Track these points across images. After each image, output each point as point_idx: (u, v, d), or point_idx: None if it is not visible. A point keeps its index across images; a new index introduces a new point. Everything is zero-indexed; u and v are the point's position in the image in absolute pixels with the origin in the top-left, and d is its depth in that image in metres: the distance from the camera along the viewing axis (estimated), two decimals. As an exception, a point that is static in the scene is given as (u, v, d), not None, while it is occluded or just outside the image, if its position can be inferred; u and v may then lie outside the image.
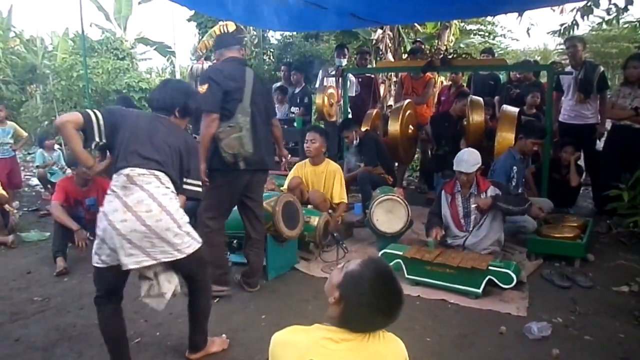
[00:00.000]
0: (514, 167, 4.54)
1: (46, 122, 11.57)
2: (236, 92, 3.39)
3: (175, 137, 2.59)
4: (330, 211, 4.68)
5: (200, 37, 13.62)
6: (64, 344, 2.99)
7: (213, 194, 3.42)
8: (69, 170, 6.60)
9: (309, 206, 4.64)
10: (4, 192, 5.33)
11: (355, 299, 1.47)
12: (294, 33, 11.55)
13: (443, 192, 4.23)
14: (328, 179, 4.80)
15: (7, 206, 5.35)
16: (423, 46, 7.80)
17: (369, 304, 1.46)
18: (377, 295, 1.46)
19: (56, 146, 7.69)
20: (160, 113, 2.66)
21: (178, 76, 16.78)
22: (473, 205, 4.05)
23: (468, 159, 4.02)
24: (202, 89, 3.31)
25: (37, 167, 7.20)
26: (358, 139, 5.51)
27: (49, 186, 7.07)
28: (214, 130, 3.34)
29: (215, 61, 3.79)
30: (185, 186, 2.64)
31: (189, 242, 2.50)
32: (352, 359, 1.46)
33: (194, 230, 2.57)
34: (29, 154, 10.96)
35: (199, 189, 2.73)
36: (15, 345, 2.99)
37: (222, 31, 12.57)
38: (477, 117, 5.73)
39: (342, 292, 1.50)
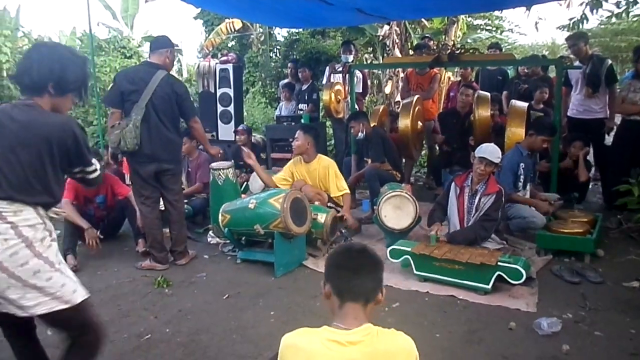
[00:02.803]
0: (521, 164, 4.50)
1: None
2: (132, 94, 3.88)
3: (37, 129, 1.96)
4: (334, 207, 4.69)
5: (207, 35, 13.66)
6: (75, 341, 3.01)
7: (132, 178, 4.19)
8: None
9: (316, 202, 4.65)
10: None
11: (329, 270, 1.61)
12: (301, 30, 11.54)
13: (453, 183, 4.21)
14: (322, 174, 4.82)
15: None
16: (431, 42, 7.78)
17: (336, 264, 1.60)
18: (340, 254, 1.64)
19: None
20: (28, 95, 2.04)
21: (185, 75, 16.81)
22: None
23: (493, 151, 4.01)
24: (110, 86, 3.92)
25: None
26: (364, 132, 5.50)
27: None
28: (112, 122, 3.92)
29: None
30: (78, 175, 2.16)
31: (38, 299, 1.92)
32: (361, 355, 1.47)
33: (70, 284, 2.01)
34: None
35: (94, 174, 2.21)
36: (27, 342, 3.01)
37: (228, 29, 12.63)
38: (483, 112, 5.70)
39: (325, 278, 1.60)
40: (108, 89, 3.85)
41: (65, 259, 4.15)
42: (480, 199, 4.00)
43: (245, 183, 5.72)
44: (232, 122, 7.36)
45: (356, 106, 6.63)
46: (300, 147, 4.79)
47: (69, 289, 1.99)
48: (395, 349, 1.52)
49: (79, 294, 2.01)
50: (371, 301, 1.56)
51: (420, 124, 6.39)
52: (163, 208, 4.36)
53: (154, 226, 4.18)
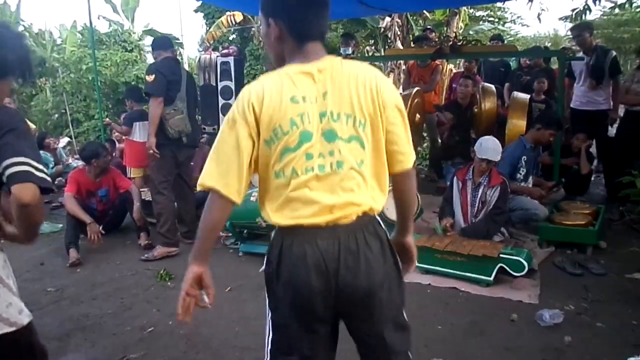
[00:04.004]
0: (523, 157, 4.48)
1: (56, 115, 11.63)
2: (176, 84, 4.23)
3: None
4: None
5: (208, 28, 13.60)
6: (78, 334, 3.03)
7: (163, 165, 4.29)
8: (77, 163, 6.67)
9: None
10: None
11: (277, 4, 1.48)
12: (302, 22, 11.47)
13: (455, 178, 4.21)
14: None
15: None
16: (433, 33, 7.73)
17: None
18: None
19: (62, 141, 7.74)
20: None
21: (186, 68, 16.78)
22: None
23: (495, 148, 4.00)
24: (150, 78, 4.15)
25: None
26: None
27: (56, 181, 7.18)
28: (161, 111, 4.11)
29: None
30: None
31: None
32: (336, 79, 1.43)
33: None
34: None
35: (21, 167, 1.47)
36: (30, 335, 3.03)
37: (229, 21, 12.57)
38: (489, 105, 5.67)
39: (270, 15, 1.49)
40: (151, 80, 4.12)
41: (68, 253, 4.19)
42: (485, 192, 4.01)
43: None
44: (234, 115, 7.34)
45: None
46: None
47: (15, 309, 1.65)
48: (366, 71, 1.46)
49: (26, 314, 1.70)
50: (324, 40, 1.50)
51: (418, 116, 6.35)
52: (150, 199, 4.60)
53: (173, 211, 4.41)
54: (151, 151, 4.18)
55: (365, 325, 1.51)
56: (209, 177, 1.42)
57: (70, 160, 7.98)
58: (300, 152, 1.40)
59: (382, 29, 10.39)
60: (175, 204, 4.57)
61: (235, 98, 6.28)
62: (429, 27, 8.95)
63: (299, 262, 1.41)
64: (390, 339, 1.51)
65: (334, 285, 1.42)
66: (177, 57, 4.38)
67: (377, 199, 1.49)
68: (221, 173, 1.41)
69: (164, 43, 4.51)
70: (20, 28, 14.90)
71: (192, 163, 4.78)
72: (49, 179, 1.52)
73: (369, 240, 1.45)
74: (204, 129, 7.59)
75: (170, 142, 4.24)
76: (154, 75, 4.13)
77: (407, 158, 1.50)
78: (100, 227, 4.41)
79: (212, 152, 1.44)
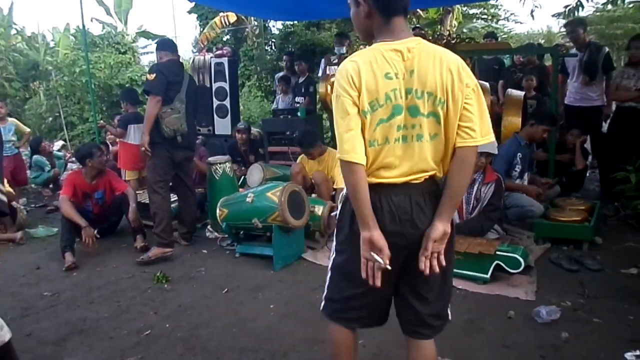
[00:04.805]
0: (519, 154, 4.50)
1: (50, 119, 11.60)
2: (176, 84, 4.24)
3: None
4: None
5: (202, 29, 13.58)
6: (74, 338, 3.01)
7: (159, 164, 4.28)
8: (74, 166, 6.65)
9: (313, 195, 4.65)
10: (10, 189, 5.36)
11: None
12: (295, 22, 11.48)
13: None
14: (330, 165, 4.91)
15: (14, 203, 5.38)
16: (422, 31, 7.75)
17: None
18: None
19: (57, 144, 7.71)
20: None
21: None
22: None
23: (492, 142, 4.00)
24: (151, 77, 4.18)
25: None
26: None
27: (51, 185, 7.17)
28: (158, 110, 4.14)
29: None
30: None
31: None
32: (422, 60, 1.61)
33: None
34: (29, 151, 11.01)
35: None
36: (26, 340, 3.01)
37: (223, 22, 12.56)
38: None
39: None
40: (152, 79, 4.15)
41: (64, 256, 4.18)
42: (479, 189, 4.01)
43: (243, 177, 5.71)
44: (229, 116, 7.32)
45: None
46: (317, 153, 4.95)
47: None
48: (448, 55, 1.64)
49: (7, 331, 1.67)
50: (407, 14, 1.69)
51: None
52: (146, 201, 4.58)
53: (168, 211, 4.39)
54: (143, 149, 4.20)
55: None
56: (337, 150, 1.64)
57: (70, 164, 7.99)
58: (391, 123, 1.62)
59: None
60: (176, 204, 4.60)
61: (229, 99, 6.29)
62: (417, 26, 8.95)
63: (377, 211, 1.66)
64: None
65: (404, 229, 1.69)
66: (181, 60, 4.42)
67: (441, 168, 1.72)
68: (339, 142, 1.62)
69: (171, 45, 4.52)
70: (13, 31, 14.85)
71: (191, 165, 4.80)
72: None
73: (432, 198, 1.71)
74: (199, 130, 7.57)
75: (165, 141, 4.23)
76: (154, 75, 4.15)
77: (477, 135, 1.65)
78: (96, 231, 4.39)
79: (337, 128, 1.65)
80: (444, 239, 1.68)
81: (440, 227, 1.67)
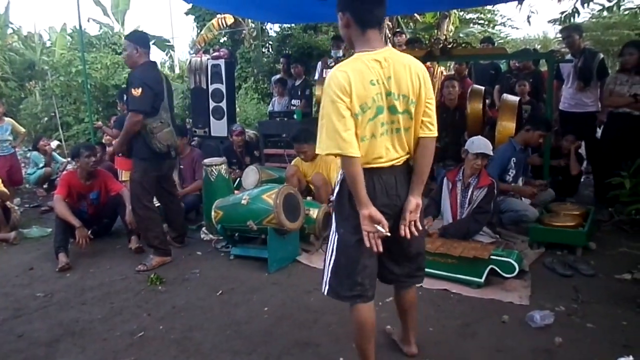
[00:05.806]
0: (513, 159, 4.51)
1: (46, 119, 11.55)
2: (160, 93, 3.96)
3: None
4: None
5: (199, 31, 13.58)
6: (67, 339, 3.00)
7: (147, 180, 4.05)
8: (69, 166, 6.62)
9: (309, 198, 4.64)
10: (4, 189, 5.33)
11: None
12: (293, 25, 11.49)
13: (445, 179, 4.23)
14: (325, 166, 4.87)
15: (8, 203, 5.36)
16: (403, 35, 7.88)
17: None
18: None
19: (52, 144, 7.68)
20: None
21: (177, 70, 16.73)
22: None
23: (486, 144, 4.03)
24: (137, 92, 3.77)
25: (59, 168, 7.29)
26: None
27: (45, 185, 7.14)
28: (139, 127, 3.86)
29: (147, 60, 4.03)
30: None
31: None
32: (397, 68, 2.00)
33: None
34: (29, 150, 10.97)
35: None
36: (19, 341, 3.00)
37: (220, 24, 12.56)
38: (476, 105, 5.69)
39: (343, 7, 2.09)
40: (138, 95, 3.76)
41: (57, 257, 4.16)
42: (473, 192, 4.02)
43: (238, 179, 5.70)
44: (225, 118, 7.32)
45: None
46: (312, 154, 4.84)
47: None
48: (415, 62, 2.05)
49: None
50: (382, 28, 2.08)
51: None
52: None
53: (159, 219, 4.28)
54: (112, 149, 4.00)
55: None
56: (325, 146, 1.98)
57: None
58: (376, 121, 2.03)
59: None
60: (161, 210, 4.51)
61: (226, 101, 6.27)
62: (398, 30, 8.98)
63: (371, 189, 2.07)
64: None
65: (391, 201, 2.14)
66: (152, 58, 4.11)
67: (412, 152, 2.17)
68: (335, 140, 1.96)
69: (147, 42, 4.17)
70: (9, 30, 14.81)
71: (170, 168, 4.51)
72: None
73: (407, 177, 2.19)
74: (195, 132, 7.56)
75: (155, 156, 3.99)
76: (141, 89, 3.77)
77: (435, 127, 2.14)
78: (90, 232, 4.37)
79: (323, 128, 1.98)
80: (417, 209, 2.15)
81: (414, 201, 2.15)
